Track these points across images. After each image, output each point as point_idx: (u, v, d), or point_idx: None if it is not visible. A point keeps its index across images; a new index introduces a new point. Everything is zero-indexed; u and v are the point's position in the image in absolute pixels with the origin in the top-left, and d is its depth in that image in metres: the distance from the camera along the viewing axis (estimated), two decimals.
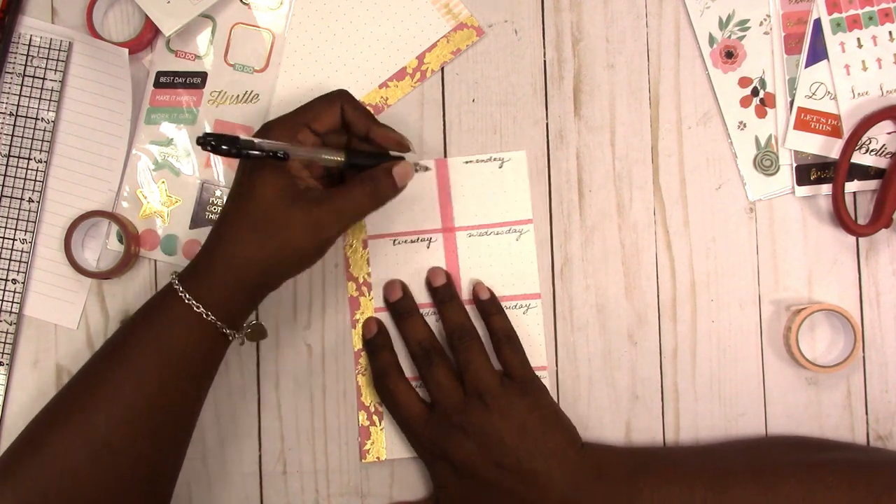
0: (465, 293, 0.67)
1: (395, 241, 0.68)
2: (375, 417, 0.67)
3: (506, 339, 0.65)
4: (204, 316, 0.57)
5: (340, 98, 0.60)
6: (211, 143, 0.49)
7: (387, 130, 0.60)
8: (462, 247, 0.67)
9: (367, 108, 0.62)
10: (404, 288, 0.67)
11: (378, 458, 0.67)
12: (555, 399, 0.66)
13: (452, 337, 0.65)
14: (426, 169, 0.66)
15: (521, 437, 0.61)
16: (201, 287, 0.57)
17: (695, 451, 0.65)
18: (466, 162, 0.67)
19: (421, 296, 0.67)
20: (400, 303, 0.66)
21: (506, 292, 0.67)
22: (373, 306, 0.67)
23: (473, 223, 0.67)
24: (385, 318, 0.67)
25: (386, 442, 0.67)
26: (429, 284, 0.67)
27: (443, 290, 0.66)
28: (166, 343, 0.57)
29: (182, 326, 0.57)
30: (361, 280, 0.67)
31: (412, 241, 0.68)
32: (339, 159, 0.59)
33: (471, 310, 0.67)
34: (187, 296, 0.56)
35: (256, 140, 0.52)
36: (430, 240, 0.67)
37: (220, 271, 0.57)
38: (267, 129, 0.58)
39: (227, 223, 0.58)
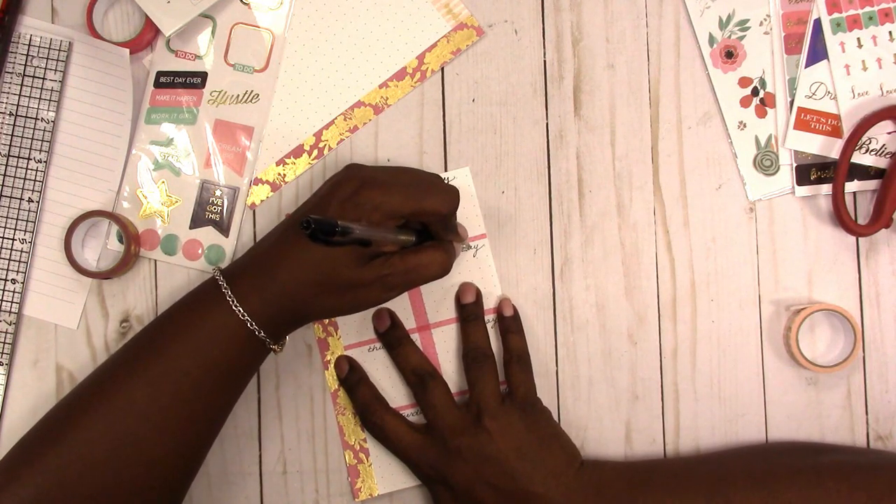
0: (431, 318, 0.67)
1: None
2: (362, 455, 0.67)
3: (517, 358, 0.65)
4: (256, 333, 0.57)
5: (455, 203, 0.59)
6: (311, 227, 0.48)
7: (461, 229, 0.65)
8: None
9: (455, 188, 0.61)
10: (392, 316, 0.66)
11: (371, 494, 0.66)
12: (555, 409, 0.66)
13: (468, 356, 0.65)
14: (469, 247, 0.67)
15: (519, 458, 0.61)
16: (255, 301, 0.57)
17: (694, 461, 0.65)
18: None
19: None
20: (390, 333, 0.66)
21: None
22: (342, 345, 0.67)
23: None
24: (355, 354, 0.67)
25: (377, 478, 0.66)
26: (457, 299, 0.67)
27: (470, 308, 0.66)
28: (212, 350, 0.57)
29: (231, 338, 0.57)
30: (327, 321, 0.67)
31: None
32: (412, 239, 0.60)
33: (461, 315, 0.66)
34: (242, 311, 0.56)
35: (356, 227, 0.51)
36: None
37: (278, 294, 0.57)
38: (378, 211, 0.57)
39: (296, 259, 0.57)
